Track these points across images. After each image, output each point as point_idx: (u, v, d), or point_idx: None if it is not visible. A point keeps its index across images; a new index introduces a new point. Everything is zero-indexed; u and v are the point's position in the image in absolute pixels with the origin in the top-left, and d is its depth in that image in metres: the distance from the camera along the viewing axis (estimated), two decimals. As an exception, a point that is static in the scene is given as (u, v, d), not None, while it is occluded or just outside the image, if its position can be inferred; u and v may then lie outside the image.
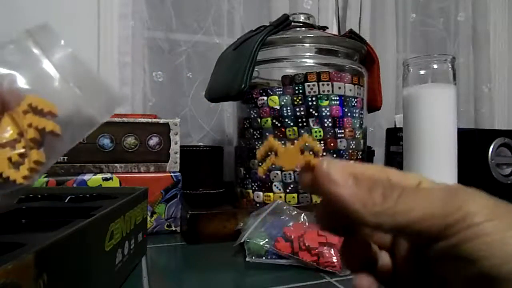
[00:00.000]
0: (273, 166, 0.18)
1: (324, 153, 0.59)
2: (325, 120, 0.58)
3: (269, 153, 0.19)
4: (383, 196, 0.15)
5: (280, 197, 0.59)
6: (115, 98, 0.30)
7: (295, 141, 0.18)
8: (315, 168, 0.17)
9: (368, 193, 0.16)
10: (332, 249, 0.42)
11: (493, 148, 0.82)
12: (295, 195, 0.59)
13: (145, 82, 0.86)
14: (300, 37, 0.63)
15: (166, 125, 0.60)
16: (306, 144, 0.19)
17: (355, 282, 0.19)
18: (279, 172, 0.59)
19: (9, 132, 0.26)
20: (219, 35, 0.91)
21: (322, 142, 0.58)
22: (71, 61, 0.28)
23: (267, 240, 0.44)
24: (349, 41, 0.64)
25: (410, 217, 0.15)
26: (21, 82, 0.27)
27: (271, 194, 0.60)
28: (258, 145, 0.61)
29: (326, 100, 0.58)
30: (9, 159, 0.25)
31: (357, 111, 0.62)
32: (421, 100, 0.60)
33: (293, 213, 0.48)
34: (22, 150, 0.26)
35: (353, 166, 0.17)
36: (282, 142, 0.60)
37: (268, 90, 0.60)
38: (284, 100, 0.59)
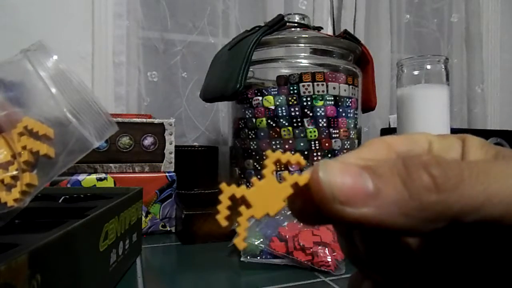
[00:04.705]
0: (253, 219, 0.12)
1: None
2: (320, 120, 0.59)
3: (234, 204, 0.12)
4: (432, 179, 0.11)
5: (275, 197, 0.59)
6: (107, 122, 0.30)
7: (264, 170, 0.12)
8: (310, 186, 0.11)
9: (403, 188, 0.11)
10: (326, 249, 0.42)
11: (485, 148, 0.83)
12: (290, 195, 0.59)
13: (140, 82, 0.86)
14: (295, 37, 0.63)
15: (161, 125, 0.60)
16: (282, 161, 0.12)
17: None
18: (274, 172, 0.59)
19: (3, 154, 0.26)
20: (214, 35, 0.91)
21: (317, 142, 0.59)
22: (65, 83, 0.28)
23: (262, 240, 0.44)
24: (343, 41, 0.65)
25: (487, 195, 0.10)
26: (18, 103, 0.27)
27: (266, 194, 0.60)
28: (253, 145, 0.61)
29: (320, 100, 0.58)
30: (1, 181, 0.26)
31: (351, 111, 0.62)
32: (415, 101, 0.61)
33: (288, 213, 0.48)
34: (15, 173, 0.26)
35: (353, 157, 0.13)
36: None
37: (263, 90, 0.60)
38: (279, 100, 0.59)
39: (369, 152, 0.14)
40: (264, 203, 0.11)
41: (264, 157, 0.12)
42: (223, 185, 0.12)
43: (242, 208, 0.11)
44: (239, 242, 0.12)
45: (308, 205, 0.12)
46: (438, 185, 0.11)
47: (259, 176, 0.12)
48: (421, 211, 0.11)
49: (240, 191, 0.11)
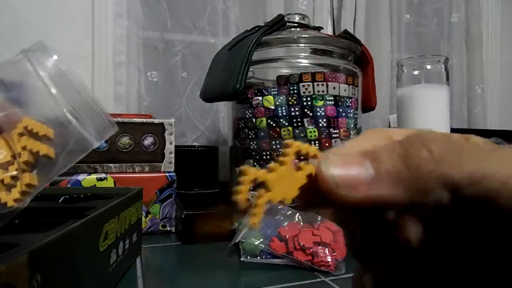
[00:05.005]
0: (270, 203, 0.12)
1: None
2: (320, 120, 0.59)
3: (254, 189, 0.12)
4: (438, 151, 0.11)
5: (275, 197, 0.59)
6: (107, 123, 0.30)
7: (283, 157, 0.13)
8: (317, 177, 0.12)
9: (402, 164, 0.11)
10: (326, 249, 0.42)
11: (485, 148, 0.83)
12: (290, 195, 0.59)
13: (140, 82, 0.86)
14: (295, 37, 0.63)
15: (161, 125, 0.60)
16: (301, 152, 0.13)
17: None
18: (274, 172, 0.59)
19: (3, 154, 0.26)
20: (214, 35, 0.91)
21: (316, 142, 0.59)
22: (65, 83, 0.28)
23: (262, 240, 0.44)
24: (343, 41, 0.65)
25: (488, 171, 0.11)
26: (18, 103, 0.27)
27: (266, 194, 0.60)
28: (253, 145, 0.61)
29: (321, 100, 0.58)
30: (1, 181, 0.25)
31: (351, 111, 0.62)
32: (415, 100, 0.61)
33: (288, 213, 0.48)
34: (15, 173, 0.26)
35: (354, 146, 0.13)
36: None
37: (263, 90, 0.60)
38: (279, 100, 0.59)
39: (370, 142, 0.14)
40: (282, 190, 0.12)
41: (285, 146, 0.13)
42: (246, 168, 0.12)
43: (262, 191, 0.12)
44: (255, 223, 0.12)
45: (317, 192, 0.12)
46: (436, 156, 0.11)
47: (276, 161, 0.12)
48: (420, 179, 0.11)
49: (262, 175, 0.12)
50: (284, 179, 0.12)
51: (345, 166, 0.12)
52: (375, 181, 0.12)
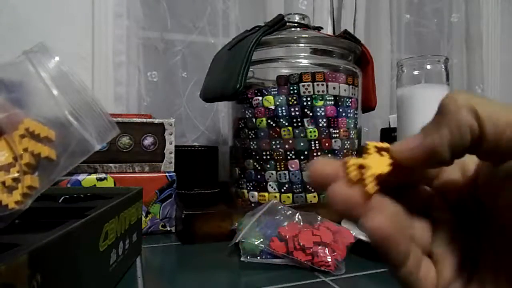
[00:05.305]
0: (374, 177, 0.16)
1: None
2: (320, 120, 0.59)
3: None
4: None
5: (275, 197, 0.59)
6: (109, 125, 0.30)
7: (369, 150, 0.17)
8: (393, 154, 0.16)
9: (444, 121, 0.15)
10: (326, 249, 0.42)
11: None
12: (290, 194, 0.59)
13: (140, 82, 0.86)
14: (295, 37, 0.63)
15: (161, 125, 0.60)
16: (379, 147, 0.17)
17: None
18: (274, 172, 0.59)
19: (4, 156, 0.26)
20: (214, 35, 0.91)
21: (316, 142, 0.59)
22: (67, 84, 0.28)
23: (262, 240, 0.44)
24: (343, 41, 0.65)
25: None
26: (19, 104, 0.27)
27: (266, 194, 0.60)
28: (253, 145, 0.61)
29: (320, 100, 0.58)
30: (3, 183, 0.25)
31: (351, 111, 0.62)
32: (415, 100, 0.61)
33: (288, 213, 0.48)
34: (16, 175, 0.26)
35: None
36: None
37: (263, 90, 0.60)
38: (279, 100, 0.59)
39: None
40: (377, 168, 0.16)
41: (365, 145, 0.17)
42: (349, 157, 0.16)
43: (366, 169, 0.16)
44: (371, 189, 0.15)
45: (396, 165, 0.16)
46: (463, 102, 0.14)
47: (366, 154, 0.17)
48: (453, 119, 0.14)
49: (361, 160, 0.16)
50: (375, 162, 0.16)
51: (404, 142, 0.16)
52: (425, 139, 0.15)
